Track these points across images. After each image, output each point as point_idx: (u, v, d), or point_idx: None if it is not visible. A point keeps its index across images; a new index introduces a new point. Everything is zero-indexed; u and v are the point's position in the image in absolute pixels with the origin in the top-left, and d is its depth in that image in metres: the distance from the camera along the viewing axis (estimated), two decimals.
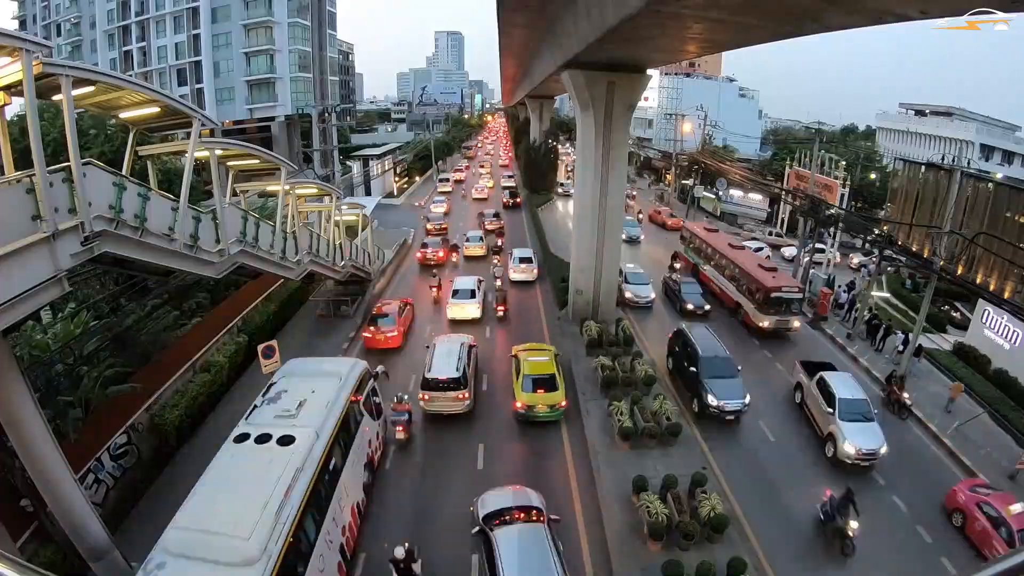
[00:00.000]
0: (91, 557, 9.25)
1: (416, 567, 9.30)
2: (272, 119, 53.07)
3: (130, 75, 17.68)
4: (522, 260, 26.69)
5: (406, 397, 14.26)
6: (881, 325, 20.82)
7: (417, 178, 57.16)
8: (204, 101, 51.18)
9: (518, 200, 45.27)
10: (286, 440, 9.21)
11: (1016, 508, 11.24)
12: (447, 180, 52.99)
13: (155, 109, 9.88)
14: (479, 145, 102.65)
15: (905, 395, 15.99)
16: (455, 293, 21.71)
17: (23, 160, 7.81)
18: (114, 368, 12.79)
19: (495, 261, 27.25)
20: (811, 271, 25.34)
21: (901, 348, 18.63)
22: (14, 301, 7.02)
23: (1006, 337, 18.80)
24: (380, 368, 14.66)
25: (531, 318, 22.68)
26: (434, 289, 23.93)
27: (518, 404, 14.65)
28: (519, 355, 15.95)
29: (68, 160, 7.59)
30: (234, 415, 14.86)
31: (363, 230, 24.68)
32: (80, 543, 9.14)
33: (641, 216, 41.51)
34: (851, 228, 28.43)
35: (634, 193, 47.75)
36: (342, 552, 9.66)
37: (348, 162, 50.79)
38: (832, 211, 26.29)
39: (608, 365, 16.64)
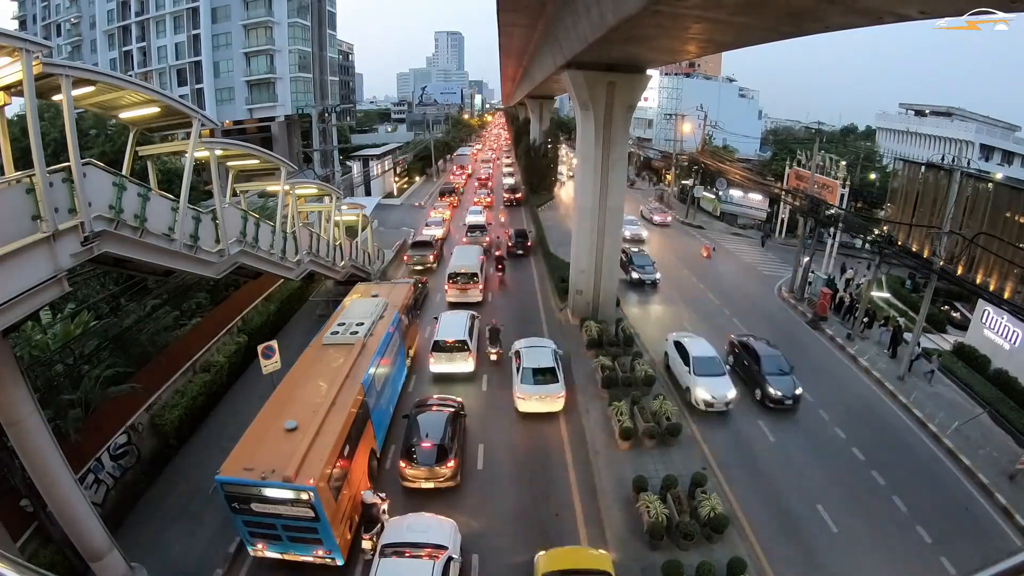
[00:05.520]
0: (91, 557, 9.26)
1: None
2: (272, 119, 53.10)
3: (130, 75, 17.66)
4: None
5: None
6: (875, 318, 21.39)
7: (417, 178, 57.14)
8: (204, 101, 51.24)
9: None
10: None
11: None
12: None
13: (155, 109, 9.85)
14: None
15: None
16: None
17: (23, 160, 7.80)
18: (114, 368, 12.78)
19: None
20: (811, 271, 25.35)
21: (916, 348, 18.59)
22: (14, 301, 7.01)
23: (1006, 337, 18.78)
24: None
25: (531, 318, 22.71)
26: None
27: None
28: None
29: (68, 160, 7.58)
30: (234, 415, 15.01)
31: (363, 230, 24.69)
32: (80, 543, 9.15)
33: None
34: (851, 228, 28.38)
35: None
36: None
37: (348, 162, 50.67)
38: (832, 211, 26.29)
39: (608, 365, 16.65)
